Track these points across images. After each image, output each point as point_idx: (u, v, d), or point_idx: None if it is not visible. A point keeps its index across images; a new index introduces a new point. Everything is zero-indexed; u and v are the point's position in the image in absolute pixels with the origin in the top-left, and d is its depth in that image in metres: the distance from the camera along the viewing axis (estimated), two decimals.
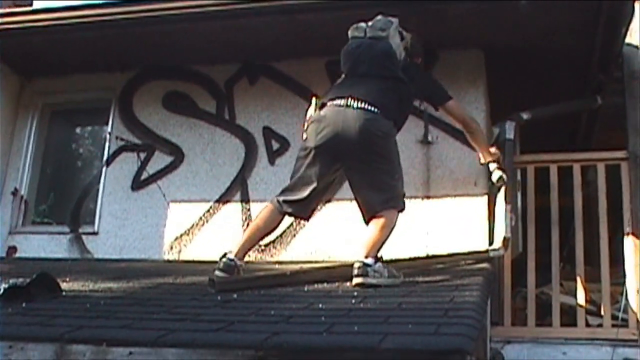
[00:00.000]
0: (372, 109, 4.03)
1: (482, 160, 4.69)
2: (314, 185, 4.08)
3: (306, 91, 5.35)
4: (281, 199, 4.13)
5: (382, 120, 4.06)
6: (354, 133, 3.98)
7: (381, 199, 3.97)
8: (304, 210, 4.21)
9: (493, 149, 4.70)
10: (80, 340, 2.78)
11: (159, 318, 3.15)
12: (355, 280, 3.78)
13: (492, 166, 4.61)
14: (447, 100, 4.50)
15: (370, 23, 4.34)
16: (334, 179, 4.28)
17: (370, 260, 3.80)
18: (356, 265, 3.81)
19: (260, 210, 4.21)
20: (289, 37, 5.29)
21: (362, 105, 4.03)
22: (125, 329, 2.92)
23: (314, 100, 4.31)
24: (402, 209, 4.05)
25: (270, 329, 2.82)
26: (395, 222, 4.00)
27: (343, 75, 4.34)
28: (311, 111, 4.27)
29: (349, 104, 4.04)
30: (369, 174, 4.03)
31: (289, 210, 4.14)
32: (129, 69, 5.99)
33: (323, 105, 4.17)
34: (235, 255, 4.04)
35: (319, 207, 4.54)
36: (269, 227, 4.19)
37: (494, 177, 4.56)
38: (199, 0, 5.08)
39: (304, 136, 4.18)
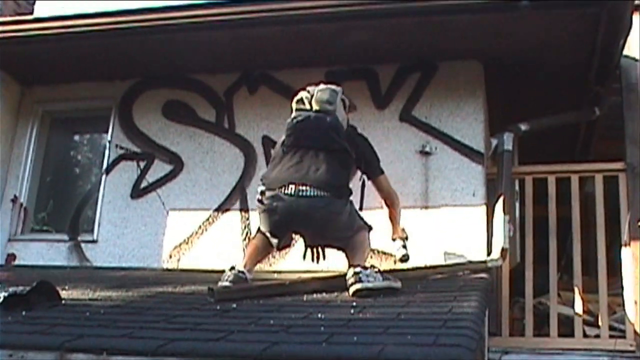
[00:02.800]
0: (323, 194, 4.03)
1: (393, 235, 4.57)
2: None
3: None
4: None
5: (335, 202, 4.07)
6: (308, 222, 4.07)
7: (348, 239, 4.12)
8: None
9: (402, 228, 4.60)
10: (80, 349, 2.80)
11: (158, 327, 3.17)
12: (352, 289, 3.83)
13: (399, 243, 4.54)
14: (381, 173, 4.49)
15: (313, 92, 4.30)
16: None
17: (359, 269, 3.90)
18: (348, 275, 3.91)
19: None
20: (289, 47, 5.31)
21: (313, 192, 4.02)
22: (125, 338, 2.94)
23: (260, 188, 4.20)
24: (369, 229, 4.21)
25: (269, 338, 2.83)
26: (369, 239, 4.19)
27: (285, 148, 4.25)
28: (258, 197, 4.19)
29: (300, 193, 4.02)
30: (331, 239, 4.18)
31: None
32: (129, 77, 6.00)
33: (271, 190, 4.10)
34: (245, 267, 4.08)
35: None
36: (267, 249, 4.30)
37: (399, 255, 4.51)
38: (199, 10, 5.10)
39: (259, 221, 4.24)
